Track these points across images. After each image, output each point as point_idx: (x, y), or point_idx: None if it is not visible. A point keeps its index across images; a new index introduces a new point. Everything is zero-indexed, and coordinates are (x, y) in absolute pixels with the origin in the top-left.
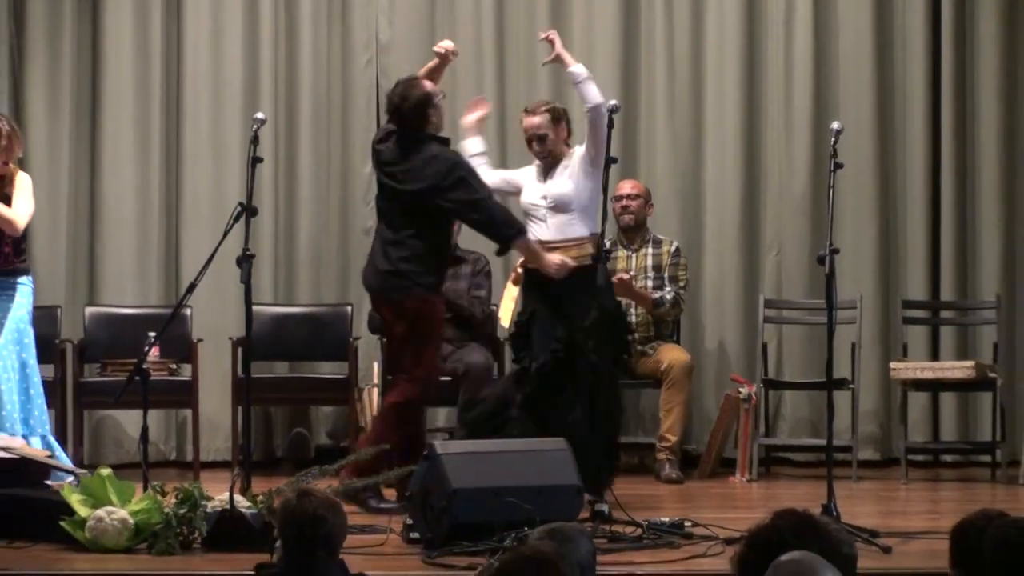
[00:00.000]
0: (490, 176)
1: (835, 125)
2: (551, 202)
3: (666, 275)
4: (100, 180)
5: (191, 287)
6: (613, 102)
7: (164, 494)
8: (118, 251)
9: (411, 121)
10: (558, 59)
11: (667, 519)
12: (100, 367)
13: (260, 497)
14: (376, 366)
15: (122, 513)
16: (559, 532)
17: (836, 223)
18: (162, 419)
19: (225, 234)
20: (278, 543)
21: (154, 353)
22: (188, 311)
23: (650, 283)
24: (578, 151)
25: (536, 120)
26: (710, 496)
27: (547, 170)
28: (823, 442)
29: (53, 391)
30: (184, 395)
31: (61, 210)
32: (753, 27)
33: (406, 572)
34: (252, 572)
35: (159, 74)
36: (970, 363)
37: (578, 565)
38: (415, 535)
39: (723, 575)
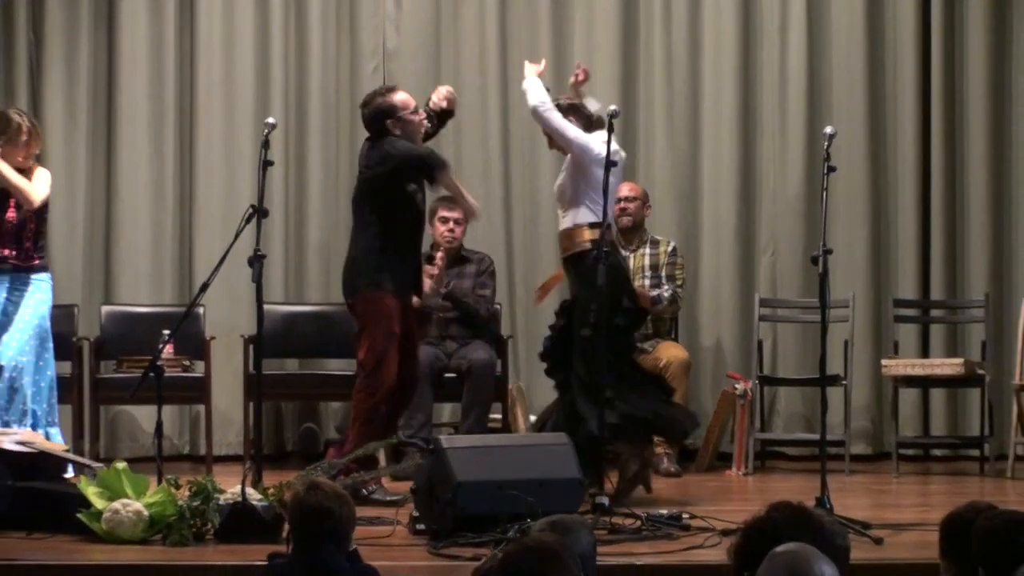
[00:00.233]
0: None
1: (828, 130)
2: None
3: (663, 274)
4: (116, 183)
5: (204, 286)
6: (613, 107)
7: (178, 487)
8: (133, 252)
9: (369, 126)
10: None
11: (665, 511)
12: (116, 364)
13: (271, 490)
14: None
15: (137, 505)
16: (561, 524)
17: (829, 224)
18: (176, 414)
19: (237, 235)
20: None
21: (168, 350)
22: (201, 310)
23: (647, 282)
24: None
25: None
26: (707, 489)
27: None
28: (817, 437)
29: (70, 387)
30: (197, 391)
31: (78, 212)
32: (748, 35)
33: (413, 563)
34: (263, 562)
35: (173, 80)
36: (959, 360)
37: (579, 556)
38: (421, 527)
39: (720, 566)
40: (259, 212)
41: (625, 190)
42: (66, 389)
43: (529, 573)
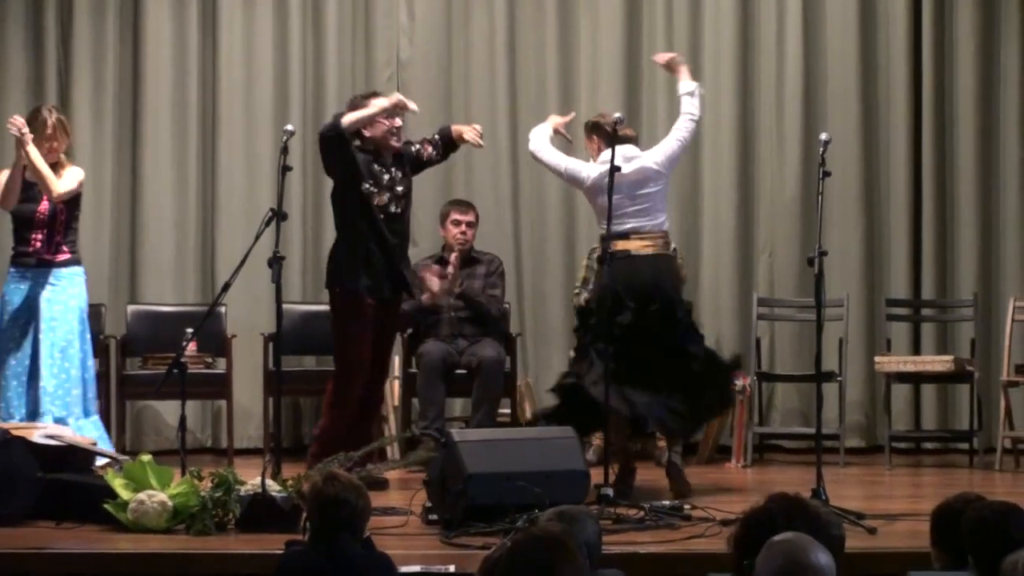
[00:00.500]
0: None
1: (823, 136)
2: None
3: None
4: (141, 187)
5: (226, 286)
6: (617, 115)
7: (200, 479)
8: (158, 253)
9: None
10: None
11: (667, 502)
12: (141, 361)
13: (290, 481)
14: (396, 359)
15: (162, 496)
16: (567, 514)
17: (824, 227)
18: (199, 409)
19: (257, 237)
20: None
21: (191, 348)
22: (223, 309)
23: None
24: None
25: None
26: (708, 481)
27: None
28: (812, 431)
29: (97, 383)
30: (219, 387)
31: (105, 215)
32: (747, 46)
33: (425, 551)
34: (282, 551)
35: (195, 89)
36: (949, 357)
37: (585, 544)
38: (433, 517)
39: (720, 554)
40: (278, 215)
41: None
42: None
43: (537, 561)
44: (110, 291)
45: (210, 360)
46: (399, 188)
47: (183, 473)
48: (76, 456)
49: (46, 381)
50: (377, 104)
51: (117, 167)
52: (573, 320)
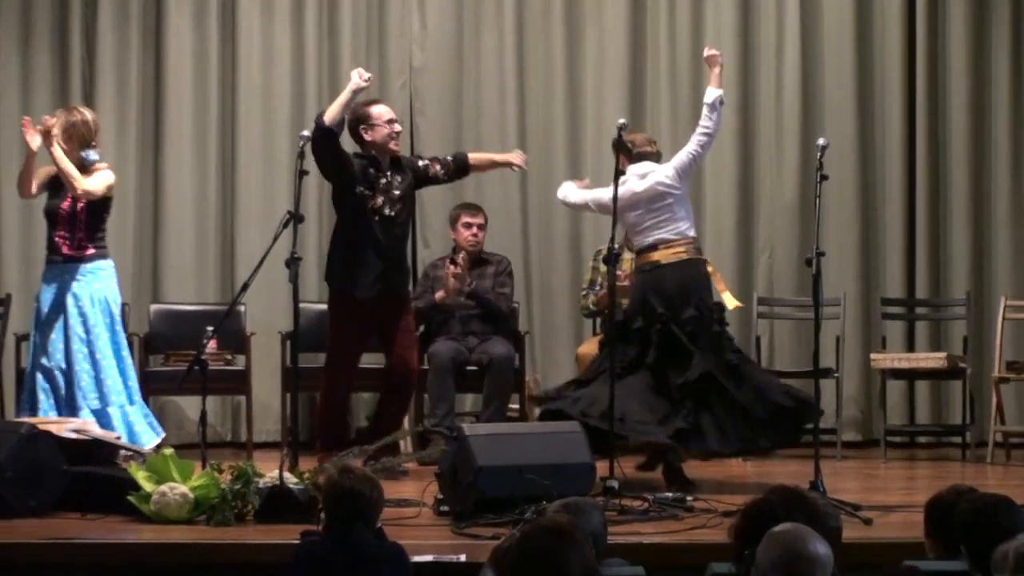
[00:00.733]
0: None
1: (821, 141)
2: None
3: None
4: (163, 191)
5: (245, 286)
6: (622, 121)
7: (221, 471)
8: (179, 254)
9: (350, 132)
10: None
11: (671, 494)
12: (163, 358)
13: (306, 474)
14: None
15: (183, 488)
16: (574, 505)
17: (822, 228)
18: (219, 404)
19: (275, 239)
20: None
21: (212, 345)
22: (242, 308)
23: None
24: None
25: None
26: (709, 473)
27: None
28: (810, 425)
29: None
30: (239, 383)
31: (128, 217)
32: (747, 54)
33: (437, 541)
34: (299, 540)
35: (215, 95)
36: (942, 354)
37: (591, 535)
38: (445, 508)
39: (722, 545)
40: (295, 218)
41: None
42: None
43: (545, 551)
44: (133, 290)
45: (230, 357)
46: (396, 192)
47: (204, 466)
48: (101, 450)
49: (79, 376)
50: (347, 90)
51: (140, 171)
52: (580, 319)
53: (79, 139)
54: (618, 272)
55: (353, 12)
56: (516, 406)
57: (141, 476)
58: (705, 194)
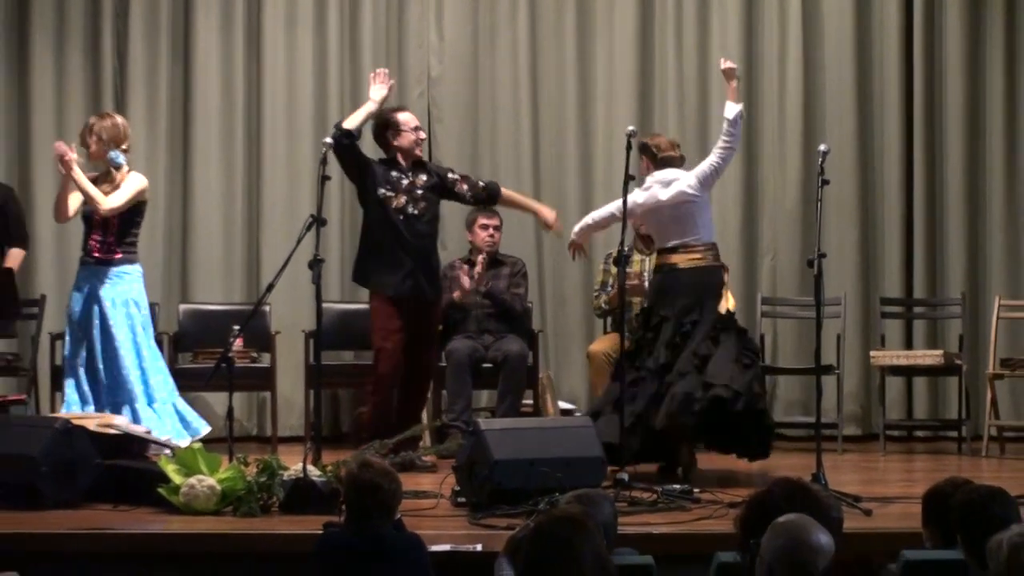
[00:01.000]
0: None
1: (822, 147)
2: None
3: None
4: (191, 195)
5: (270, 287)
6: (631, 128)
7: (247, 464)
8: (207, 256)
9: (375, 137)
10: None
11: (678, 486)
12: (192, 356)
13: (329, 467)
14: None
15: (211, 481)
16: (585, 497)
17: (823, 231)
18: (245, 400)
19: (299, 242)
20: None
21: (238, 343)
22: (267, 307)
23: (647, 276)
24: None
25: None
26: (715, 466)
27: None
28: (813, 420)
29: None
30: (264, 380)
31: (158, 221)
32: (752, 64)
33: (454, 532)
34: (321, 531)
35: (241, 103)
36: (939, 352)
37: (602, 525)
38: (462, 500)
39: (728, 535)
40: (318, 221)
41: None
42: None
43: (558, 540)
44: (163, 291)
45: (255, 355)
46: (419, 191)
47: (230, 459)
48: (131, 443)
49: (103, 375)
50: (373, 102)
51: (169, 176)
52: (591, 318)
53: (109, 140)
54: (628, 271)
55: (373, 24)
56: (530, 402)
57: (171, 469)
58: (711, 198)
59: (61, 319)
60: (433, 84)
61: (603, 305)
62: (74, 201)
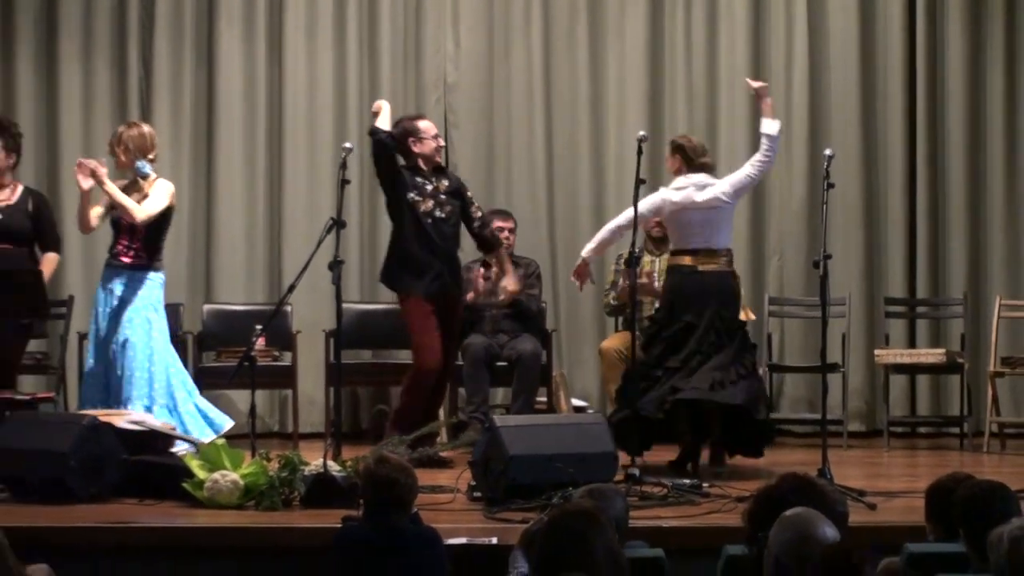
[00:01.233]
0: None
1: (827, 152)
2: None
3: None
4: (215, 199)
5: (291, 288)
6: (642, 133)
7: (269, 460)
8: (230, 258)
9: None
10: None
11: (688, 481)
12: (216, 354)
13: (348, 463)
14: None
15: (234, 476)
16: (598, 491)
17: (828, 233)
18: (267, 398)
19: (319, 244)
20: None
21: (260, 343)
22: (289, 308)
23: (657, 276)
24: None
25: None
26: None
27: None
28: (818, 416)
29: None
30: (285, 378)
31: (183, 224)
32: (759, 68)
33: (470, 525)
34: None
35: (263, 109)
36: (941, 350)
37: (614, 518)
38: (478, 494)
39: (736, 528)
40: (338, 224)
41: None
42: None
43: (571, 533)
44: (187, 292)
45: (277, 354)
46: (442, 195)
47: (253, 455)
48: (157, 440)
49: (109, 376)
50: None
51: (193, 181)
52: (603, 318)
53: (136, 150)
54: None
55: (391, 33)
56: (544, 399)
57: (195, 464)
58: None
59: (88, 319)
60: (450, 90)
61: (612, 302)
62: (95, 211)
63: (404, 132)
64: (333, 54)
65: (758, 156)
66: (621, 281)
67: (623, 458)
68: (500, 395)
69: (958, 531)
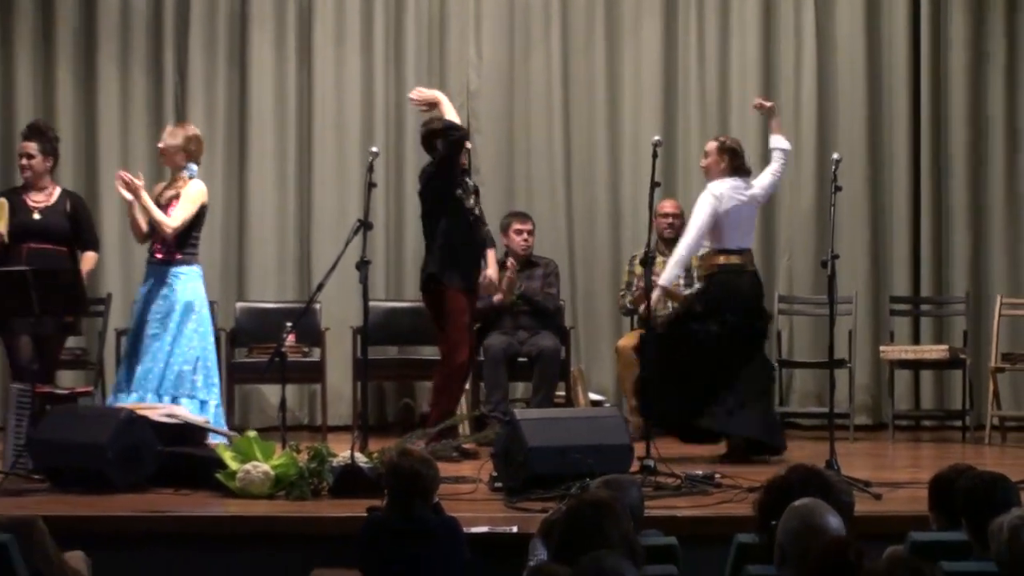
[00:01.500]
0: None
1: (835, 156)
2: None
3: (695, 275)
4: (247, 201)
5: (320, 286)
6: (656, 138)
7: (299, 452)
8: (262, 258)
9: (423, 143)
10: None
11: (701, 472)
12: (248, 350)
13: (375, 454)
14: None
15: (265, 467)
16: (614, 482)
17: (836, 234)
18: (297, 392)
19: (347, 244)
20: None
21: (291, 339)
22: (318, 306)
23: (682, 282)
24: None
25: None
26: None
27: None
28: (826, 410)
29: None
30: (314, 372)
31: (216, 225)
32: (769, 77)
33: (492, 514)
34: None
35: (293, 114)
36: (944, 347)
37: (630, 508)
38: (499, 485)
39: (746, 517)
40: (365, 225)
41: (669, 207)
42: None
43: (589, 522)
44: (221, 290)
45: (307, 350)
46: (478, 196)
47: (283, 447)
48: (191, 433)
49: (135, 367)
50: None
51: (226, 183)
52: (619, 316)
53: (191, 153)
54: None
55: (416, 41)
56: (562, 393)
57: (227, 456)
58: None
59: (126, 316)
60: (472, 97)
61: (628, 304)
62: (142, 218)
63: (430, 132)
64: (360, 61)
65: (775, 166)
66: (636, 283)
67: (638, 449)
68: (520, 389)
69: (960, 520)
